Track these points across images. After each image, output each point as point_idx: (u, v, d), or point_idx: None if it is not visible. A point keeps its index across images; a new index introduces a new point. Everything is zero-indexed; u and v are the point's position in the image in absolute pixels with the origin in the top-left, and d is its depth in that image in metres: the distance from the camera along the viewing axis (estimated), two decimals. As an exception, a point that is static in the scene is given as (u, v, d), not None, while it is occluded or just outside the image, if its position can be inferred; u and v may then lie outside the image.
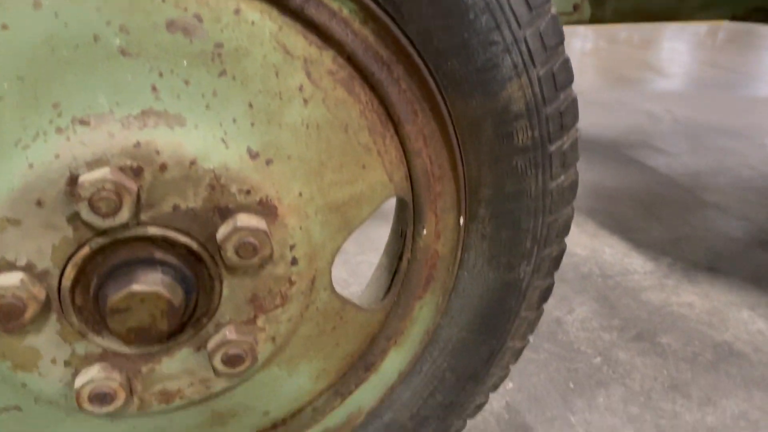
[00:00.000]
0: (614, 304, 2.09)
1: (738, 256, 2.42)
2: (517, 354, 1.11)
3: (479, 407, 1.16)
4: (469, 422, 1.21)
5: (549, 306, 2.05)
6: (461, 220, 0.96)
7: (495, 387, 1.15)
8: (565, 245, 1.04)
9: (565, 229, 1.01)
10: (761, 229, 2.65)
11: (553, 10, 0.86)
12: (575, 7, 2.20)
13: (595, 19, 2.25)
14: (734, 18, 2.47)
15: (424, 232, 0.97)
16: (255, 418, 1.02)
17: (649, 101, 4.54)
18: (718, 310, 2.07)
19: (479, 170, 0.92)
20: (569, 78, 0.89)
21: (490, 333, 1.05)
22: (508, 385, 1.70)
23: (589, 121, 4.07)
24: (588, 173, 3.19)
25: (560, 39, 0.87)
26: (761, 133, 3.93)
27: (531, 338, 1.16)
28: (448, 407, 1.10)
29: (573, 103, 0.91)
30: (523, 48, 0.84)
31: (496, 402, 1.63)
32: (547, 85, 0.87)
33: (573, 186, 0.97)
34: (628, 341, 1.90)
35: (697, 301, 2.12)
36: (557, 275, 1.86)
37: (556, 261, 1.04)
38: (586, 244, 2.49)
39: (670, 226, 2.66)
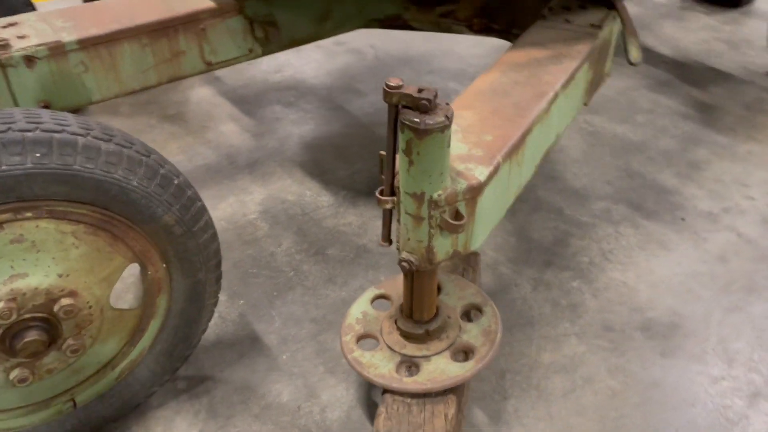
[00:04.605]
0: (306, 233, 3.53)
1: (386, 180, 3.93)
2: (216, 299, 2.46)
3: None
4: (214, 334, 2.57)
5: (266, 244, 3.44)
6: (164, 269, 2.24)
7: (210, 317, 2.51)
8: (221, 256, 2.37)
9: (216, 254, 2.32)
10: (407, 153, 4.18)
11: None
12: (250, 50, 3.37)
13: (266, 53, 3.46)
14: (367, 26, 3.79)
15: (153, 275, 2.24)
16: None
17: (357, 38, 5.85)
18: (365, 223, 3.59)
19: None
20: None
21: (196, 301, 2.38)
22: (240, 301, 3.10)
23: (312, 66, 5.33)
24: (303, 127, 4.52)
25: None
26: (429, 60, 5.45)
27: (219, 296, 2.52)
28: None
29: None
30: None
31: (233, 312, 3.04)
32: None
33: (212, 237, 2.27)
34: (310, 257, 3.36)
35: (355, 220, 3.62)
36: (271, 216, 3.23)
37: (218, 264, 2.36)
38: (295, 190, 3.87)
39: (350, 163, 4.12)
